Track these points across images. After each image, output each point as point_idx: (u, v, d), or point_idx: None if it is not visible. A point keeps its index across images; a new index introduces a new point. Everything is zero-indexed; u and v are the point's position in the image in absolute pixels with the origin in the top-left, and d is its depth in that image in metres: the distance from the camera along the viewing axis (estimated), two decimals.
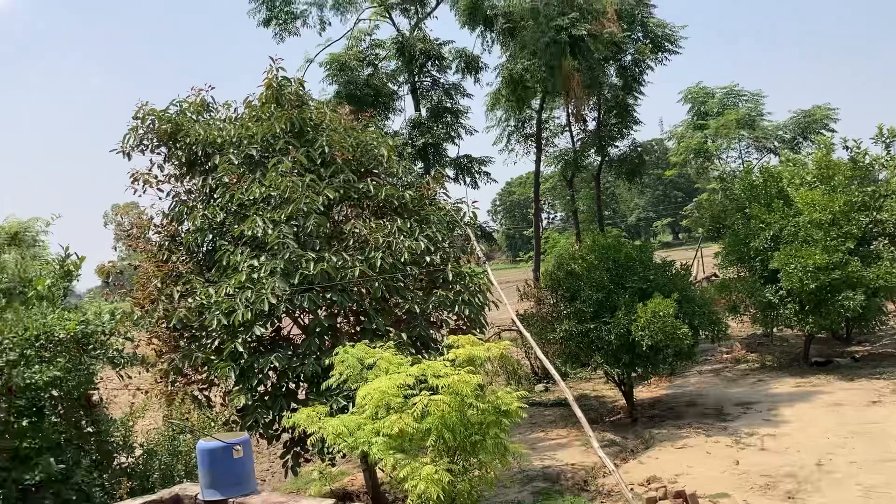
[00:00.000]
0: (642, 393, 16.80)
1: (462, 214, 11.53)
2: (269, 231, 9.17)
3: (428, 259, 10.04)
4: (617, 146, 29.34)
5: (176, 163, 10.89)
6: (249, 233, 9.27)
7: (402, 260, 9.61)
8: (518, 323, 12.31)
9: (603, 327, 13.82)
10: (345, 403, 8.29)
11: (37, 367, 7.08)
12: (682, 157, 34.03)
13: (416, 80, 24.83)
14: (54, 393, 7.36)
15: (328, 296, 9.17)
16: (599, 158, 29.66)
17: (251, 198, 9.61)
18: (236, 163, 10.16)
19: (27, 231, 12.29)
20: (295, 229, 9.40)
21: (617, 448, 12.58)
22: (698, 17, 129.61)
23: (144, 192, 10.94)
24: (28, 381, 6.98)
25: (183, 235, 10.45)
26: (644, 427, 13.99)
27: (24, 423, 7.00)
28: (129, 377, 8.62)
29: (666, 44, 26.36)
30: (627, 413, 14.97)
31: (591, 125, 29.03)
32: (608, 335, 13.65)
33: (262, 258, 9.12)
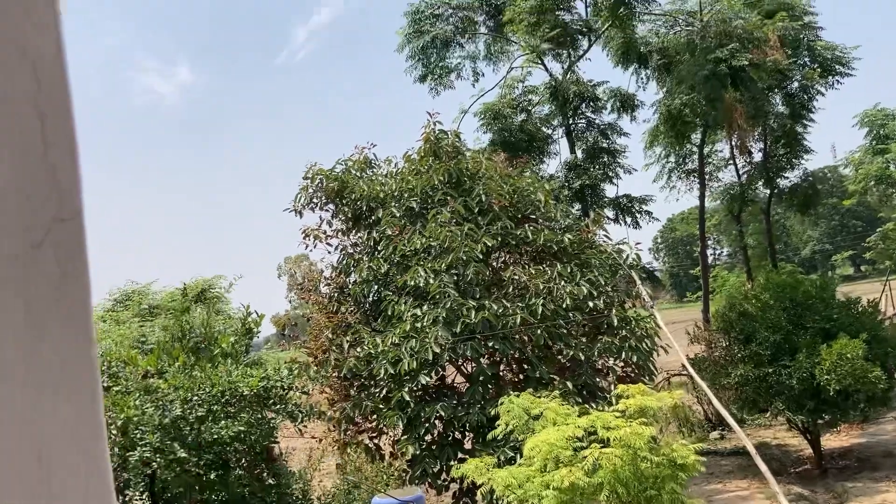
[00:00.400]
0: (831, 441, 15.45)
1: (625, 257, 11.22)
2: (431, 280, 9.33)
3: (591, 304, 9.81)
4: (787, 177, 27.76)
5: (343, 218, 11.40)
6: (412, 283, 9.49)
7: (564, 306, 9.46)
8: (690, 368, 11.71)
9: (783, 371, 12.90)
10: (512, 454, 8.18)
11: (223, 422, 7.46)
12: (861, 184, 31.66)
13: (571, 122, 24.72)
14: (238, 447, 7.72)
15: (490, 344, 9.16)
16: (768, 191, 28.13)
17: (413, 249, 9.85)
18: (398, 216, 10.48)
19: (212, 288, 13.29)
20: (455, 278, 9.52)
21: (806, 503, 11.60)
22: (873, 35, 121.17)
23: (315, 248, 11.52)
24: (215, 436, 7.37)
25: (350, 287, 10.87)
26: (835, 480, 12.82)
27: (212, 477, 7.38)
28: (305, 426, 8.96)
29: (836, 67, 24.77)
30: (815, 464, 13.80)
31: (757, 157, 27.65)
32: (789, 379, 12.71)
33: (425, 307, 9.29)
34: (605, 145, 24.80)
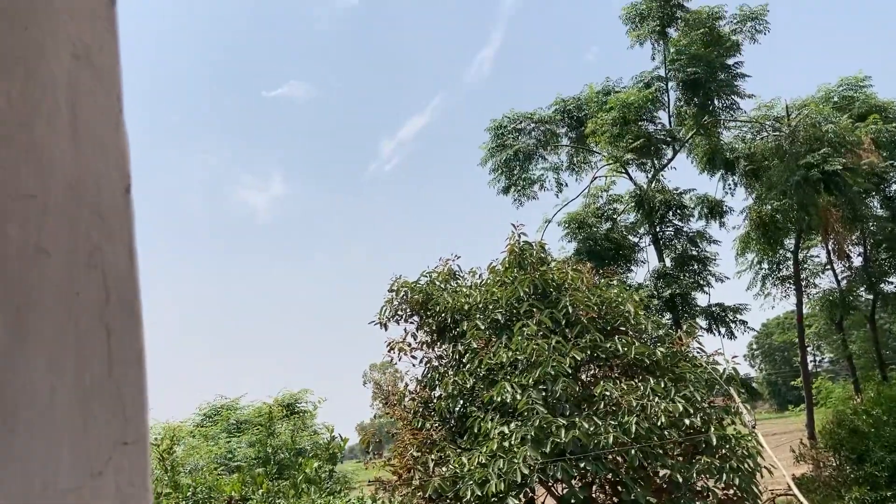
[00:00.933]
0: None
1: (721, 371, 10.69)
2: (518, 396, 9.07)
3: (687, 422, 9.30)
4: (891, 281, 26.42)
5: (427, 330, 11.35)
6: (498, 398, 9.24)
7: (659, 424, 8.99)
8: (797, 491, 10.88)
9: None
10: None
11: None
12: None
13: (658, 230, 24.42)
14: None
15: (582, 465, 8.73)
16: (871, 296, 26.78)
17: (499, 362, 9.65)
18: (483, 328, 10.35)
19: (298, 402, 13.33)
20: (543, 393, 9.23)
21: None
22: None
23: (400, 360, 11.45)
24: None
25: (435, 401, 10.67)
26: None
27: None
28: None
29: None
30: None
31: (857, 261, 26.54)
32: None
33: (513, 425, 8.99)
34: (694, 253, 24.30)
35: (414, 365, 11.46)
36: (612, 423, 8.86)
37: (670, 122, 24.91)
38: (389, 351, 11.47)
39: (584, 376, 10.06)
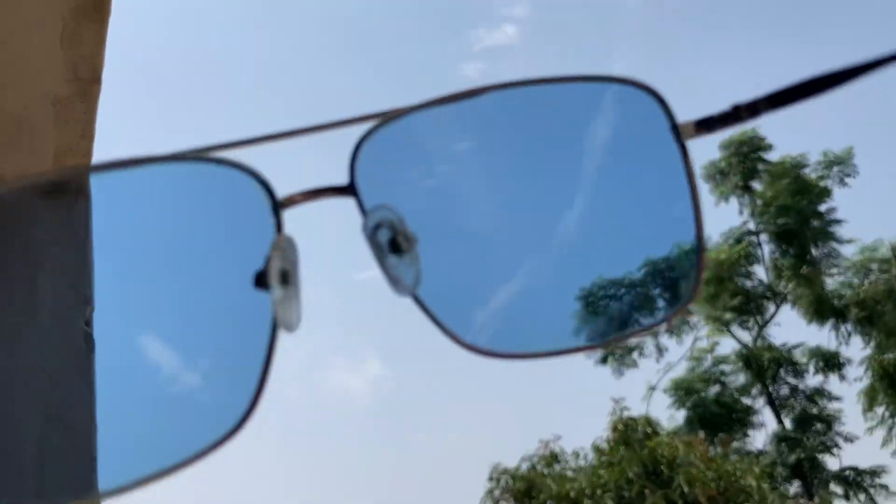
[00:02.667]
0: None
1: None
2: None
3: None
4: None
5: None
6: None
7: None
8: None
9: None
10: None
11: None
12: None
13: (771, 390, 23.00)
14: None
15: None
16: None
17: None
18: None
19: None
20: None
21: None
22: None
23: None
24: None
25: None
26: None
27: None
28: None
29: None
30: None
31: None
32: None
33: None
34: (815, 412, 22.58)
35: None
36: None
37: (767, 276, 24.19)
38: None
39: None
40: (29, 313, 0.92)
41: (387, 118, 0.38)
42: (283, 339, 0.36)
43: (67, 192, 1.03)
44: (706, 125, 0.41)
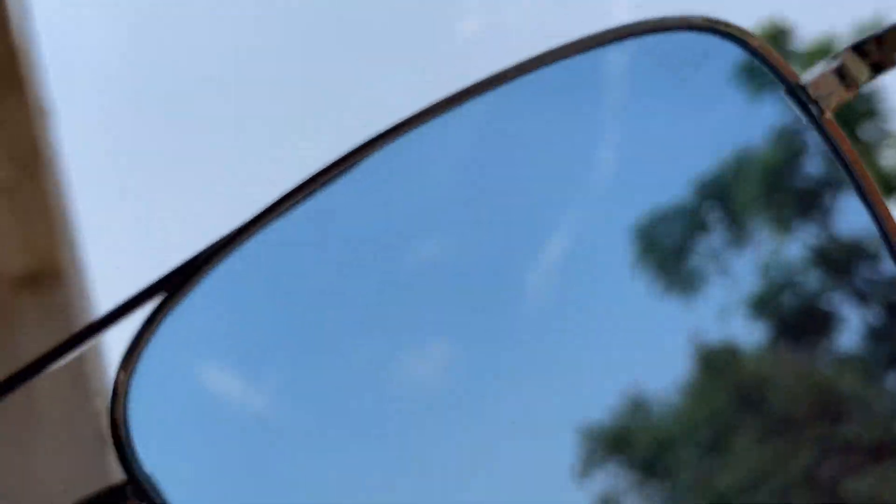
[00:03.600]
0: None
1: None
2: None
3: None
4: None
5: (630, 471, 10.57)
6: None
7: None
8: None
9: None
10: None
11: None
12: None
13: (848, 286, 22.52)
14: None
15: None
16: None
17: (719, 489, 8.70)
18: (689, 457, 9.49)
19: None
20: None
21: None
22: None
23: None
24: None
25: None
26: None
27: None
28: None
29: None
30: None
31: None
32: None
33: None
34: None
35: None
36: None
37: (820, 168, 23.65)
38: None
39: (820, 478, 8.84)
40: (28, 445, 0.75)
41: None
42: None
43: (43, 279, 0.94)
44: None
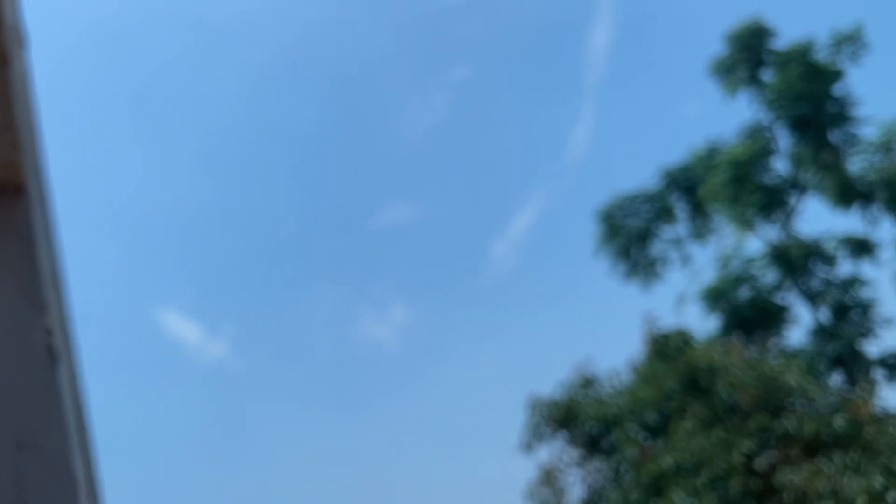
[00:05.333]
0: None
1: None
2: (695, 502, 8.28)
3: (889, 500, 8.13)
4: None
5: (575, 446, 10.68)
6: None
7: None
8: None
9: None
10: None
11: None
12: None
13: (803, 284, 22.67)
14: None
15: None
16: None
17: (661, 469, 8.86)
18: (636, 435, 9.62)
19: None
20: (720, 495, 8.36)
21: None
22: None
23: (555, 486, 10.77)
24: None
25: None
26: None
27: None
28: None
29: None
30: None
31: None
32: None
33: None
34: (850, 301, 22.17)
35: (570, 487, 10.75)
36: None
37: (788, 168, 23.68)
38: (546, 478, 10.83)
39: (758, 467, 9.06)
40: None
41: None
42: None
43: (3, 192, 0.97)
44: None
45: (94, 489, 1.17)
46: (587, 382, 11.19)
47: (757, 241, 25.08)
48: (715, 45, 25.02)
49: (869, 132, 23.10)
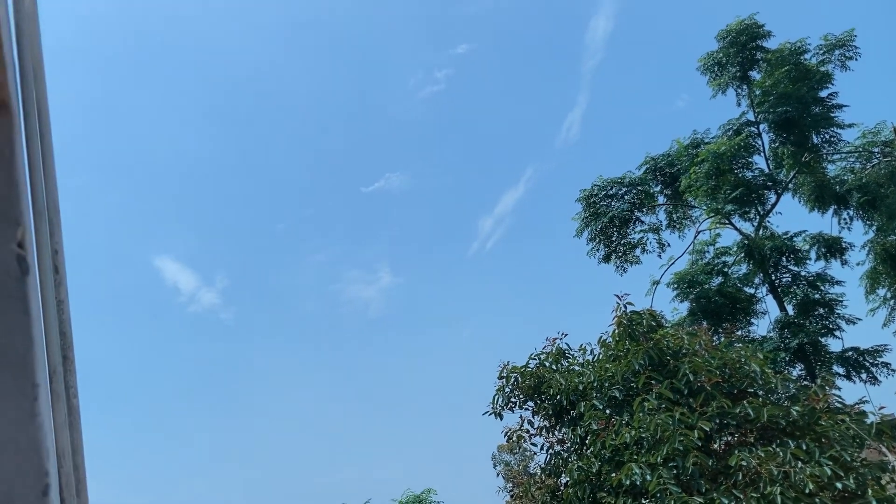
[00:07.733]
0: None
1: (870, 424, 9.79)
2: (648, 477, 8.55)
3: (839, 486, 8.48)
4: None
5: (543, 415, 11.00)
6: (627, 481, 8.73)
7: (807, 491, 8.23)
8: None
9: None
10: None
11: None
12: None
13: (773, 278, 23.18)
14: None
15: None
16: None
17: (622, 442, 9.18)
18: (601, 407, 9.93)
19: (421, 503, 13.09)
20: (675, 471, 8.66)
21: None
22: None
23: (520, 449, 11.12)
24: None
25: (562, 490, 10.22)
26: None
27: None
28: None
29: None
30: None
31: None
32: None
33: None
34: (817, 297, 22.76)
35: (536, 453, 11.11)
36: (754, 495, 8.18)
37: (768, 166, 24.02)
38: (509, 440, 11.16)
39: (715, 447, 9.41)
40: None
41: None
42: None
43: None
44: None
45: (70, 403, 1.18)
46: (558, 355, 11.52)
47: (732, 234, 25.57)
48: (710, 43, 25.29)
49: (851, 136, 23.50)
